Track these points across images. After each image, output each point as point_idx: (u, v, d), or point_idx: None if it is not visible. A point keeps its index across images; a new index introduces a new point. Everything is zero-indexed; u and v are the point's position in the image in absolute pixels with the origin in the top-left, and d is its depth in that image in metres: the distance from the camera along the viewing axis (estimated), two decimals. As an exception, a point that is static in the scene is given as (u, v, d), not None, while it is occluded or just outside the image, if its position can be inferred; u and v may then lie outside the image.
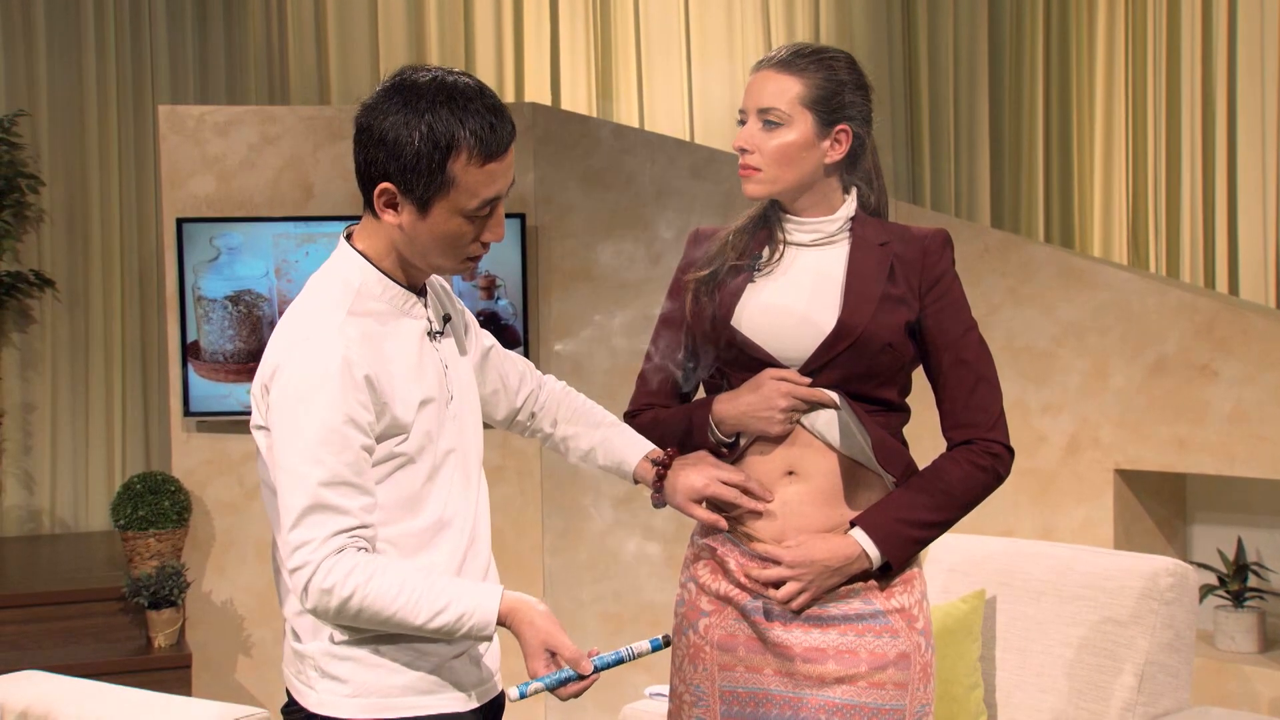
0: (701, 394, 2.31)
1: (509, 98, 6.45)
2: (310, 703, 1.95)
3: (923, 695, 2.17)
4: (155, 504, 4.76)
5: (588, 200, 5.01)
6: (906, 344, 2.16)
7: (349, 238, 1.99)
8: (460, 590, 1.89)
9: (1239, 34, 6.06)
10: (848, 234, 2.20)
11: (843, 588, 2.14)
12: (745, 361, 2.17)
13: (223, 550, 4.95)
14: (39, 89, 6.03)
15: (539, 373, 2.30)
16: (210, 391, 4.84)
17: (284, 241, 4.83)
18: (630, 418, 2.32)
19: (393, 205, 1.90)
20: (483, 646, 2.03)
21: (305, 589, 1.85)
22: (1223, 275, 6.17)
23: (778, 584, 2.13)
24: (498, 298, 4.91)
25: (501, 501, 4.90)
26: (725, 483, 2.14)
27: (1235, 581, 4.11)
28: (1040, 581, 3.11)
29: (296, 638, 1.97)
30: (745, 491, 2.15)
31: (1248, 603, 4.11)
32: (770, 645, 2.15)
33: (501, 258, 4.85)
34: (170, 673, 4.61)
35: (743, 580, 2.17)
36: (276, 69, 6.31)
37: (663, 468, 2.18)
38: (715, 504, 2.17)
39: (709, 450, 2.20)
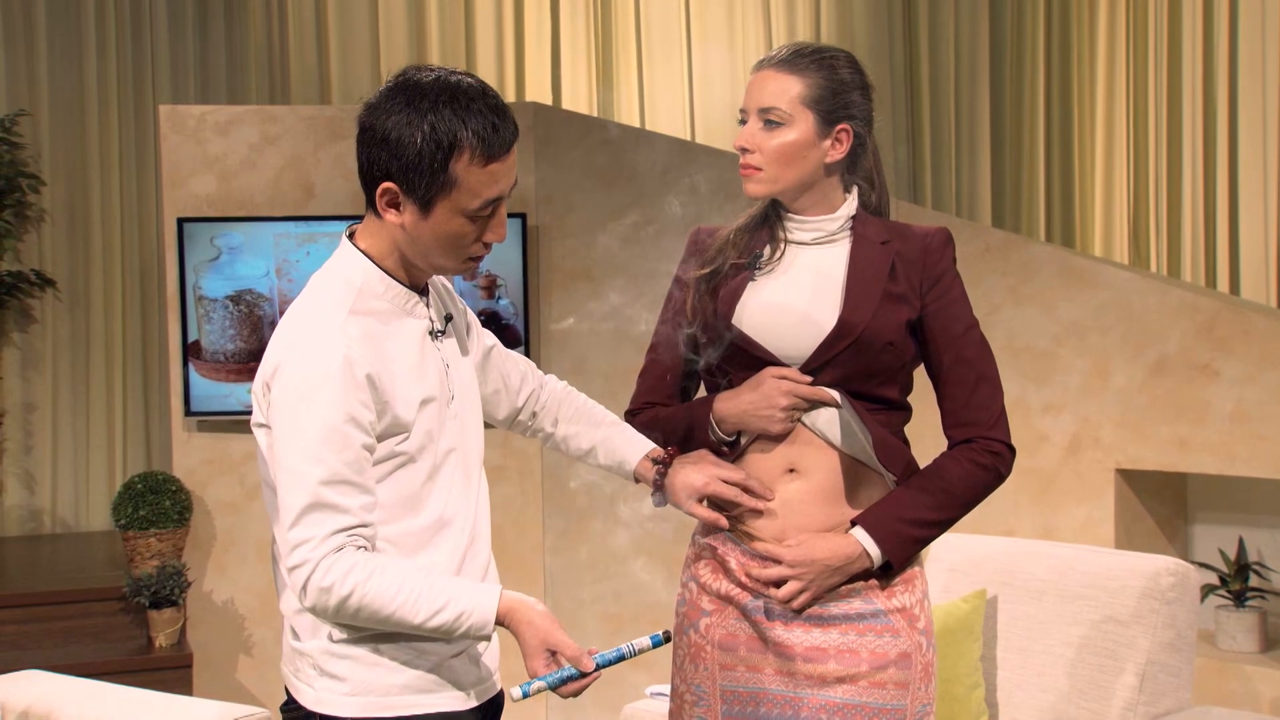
0: (702, 392, 2.31)
1: (510, 97, 6.45)
2: (309, 701, 1.95)
3: (924, 695, 2.16)
4: (156, 504, 4.76)
5: (589, 200, 5.01)
6: (907, 342, 2.16)
7: (351, 237, 1.99)
8: (459, 590, 1.89)
9: (1240, 33, 6.06)
10: (849, 233, 2.20)
11: (844, 587, 2.14)
12: (746, 360, 2.17)
13: (223, 550, 4.95)
14: (40, 89, 6.03)
15: (540, 372, 2.30)
16: (211, 391, 4.84)
17: (285, 241, 4.83)
18: (631, 416, 2.32)
19: (395, 205, 1.90)
20: (482, 645, 2.03)
21: (304, 587, 1.85)
22: (1224, 275, 6.17)
23: (778, 583, 2.13)
24: (499, 297, 4.91)
25: (502, 501, 4.90)
26: (726, 481, 2.14)
27: (1236, 581, 4.11)
28: (1041, 581, 3.10)
29: (295, 636, 1.97)
30: (746, 490, 2.15)
31: (1249, 602, 4.11)
32: (771, 645, 2.15)
33: (502, 257, 4.85)
34: (171, 672, 4.61)
35: (744, 579, 2.17)
36: (277, 68, 6.31)
37: (663, 466, 2.18)
38: (716, 503, 2.17)
39: (710, 449, 2.20)
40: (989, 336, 2.25)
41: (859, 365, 2.13)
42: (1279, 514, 4.27)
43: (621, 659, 1.93)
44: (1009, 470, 2.20)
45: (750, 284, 2.19)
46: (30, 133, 5.99)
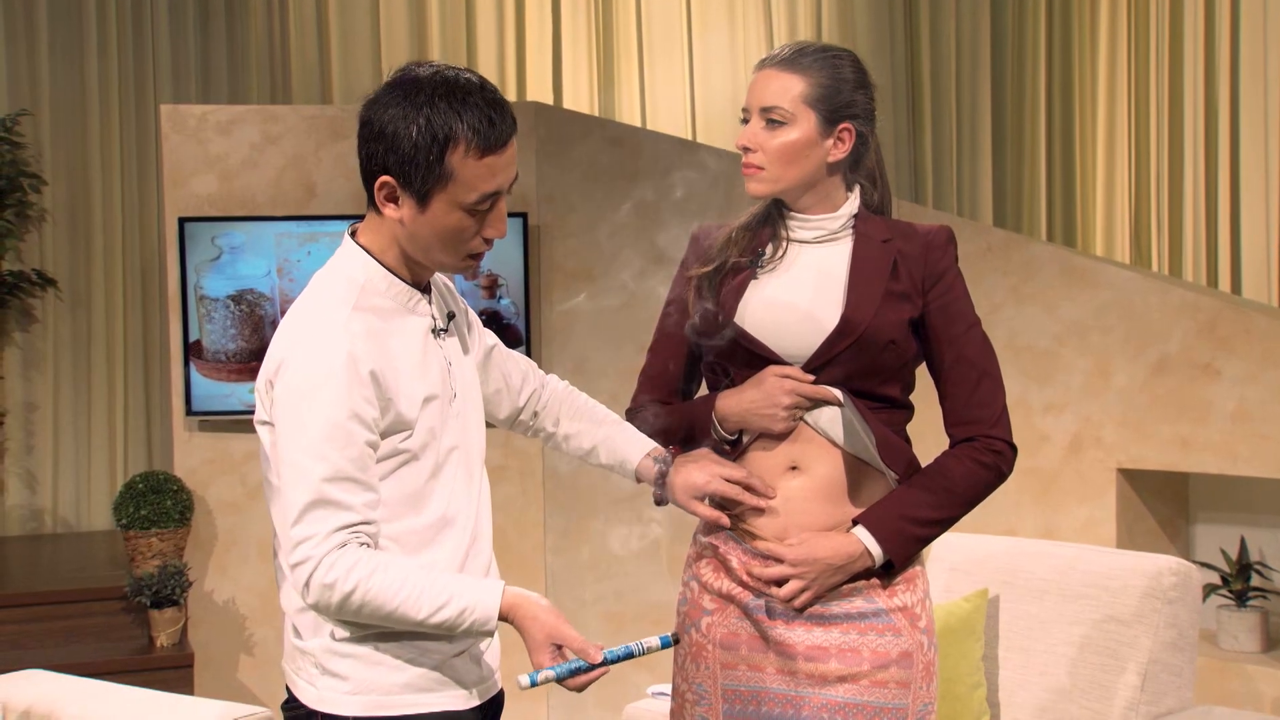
0: (704, 391, 2.31)
1: (511, 97, 6.45)
2: (310, 699, 1.95)
3: (925, 694, 2.16)
4: (157, 503, 4.76)
5: (590, 199, 5.01)
6: (909, 341, 2.16)
7: (353, 235, 2.00)
8: (462, 586, 1.89)
9: (1242, 32, 6.05)
10: (851, 231, 2.20)
11: (845, 586, 2.14)
12: (748, 358, 2.17)
13: (225, 549, 4.95)
14: (41, 88, 6.03)
15: (541, 372, 2.30)
16: (212, 391, 4.84)
17: (286, 241, 4.83)
18: (632, 415, 2.32)
19: (393, 199, 1.91)
20: (484, 644, 2.03)
21: (307, 584, 1.85)
22: (1225, 274, 6.16)
23: (780, 582, 2.13)
24: (500, 297, 4.91)
25: (504, 501, 4.90)
26: (728, 480, 2.14)
27: (1238, 581, 4.11)
28: (1043, 581, 3.10)
29: (297, 634, 1.97)
30: (748, 489, 2.15)
31: (1250, 602, 4.11)
32: (773, 644, 2.15)
33: (503, 257, 4.85)
34: (172, 672, 4.60)
35: (745, 578, 2.17)
36: (278, 68, 6.31)
37: (665, 465, 2.17)
38: (718, 501, 2.17)
39: (711, 447, 2.20)
40: (990, 336, 2.25)
41: (861, 364, 2.13)
42: (1281, 513, 4.27)
43: (630, 656, 1.93)
44: (1011, 469, 2.19)
45: (752, 282, 2.19)
46: (31, 132, 5.99)
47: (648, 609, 4.93)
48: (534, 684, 1.86)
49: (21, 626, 4.73)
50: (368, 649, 1.93)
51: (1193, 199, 6.28)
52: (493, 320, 4.85)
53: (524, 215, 4.89)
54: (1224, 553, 4.18)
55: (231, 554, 4.95)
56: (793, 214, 2.21)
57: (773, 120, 2.15)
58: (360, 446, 1.86)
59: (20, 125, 5.91)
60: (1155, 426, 4.16)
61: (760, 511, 2.16)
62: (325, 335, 1.87)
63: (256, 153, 4.94)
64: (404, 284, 1.97)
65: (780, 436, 2.16)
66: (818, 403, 2.14)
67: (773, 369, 2.15)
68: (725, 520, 2.16)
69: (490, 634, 1.95)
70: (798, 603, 2.12)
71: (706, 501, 2.16)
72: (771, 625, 2.15)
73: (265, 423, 1.93)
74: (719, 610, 2.20)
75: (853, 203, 2.21)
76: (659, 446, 2.21)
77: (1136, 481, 4.29)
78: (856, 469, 2.16)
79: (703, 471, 2.14)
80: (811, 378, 2.14)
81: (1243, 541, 4.19)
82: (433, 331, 2.00)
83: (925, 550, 2.26)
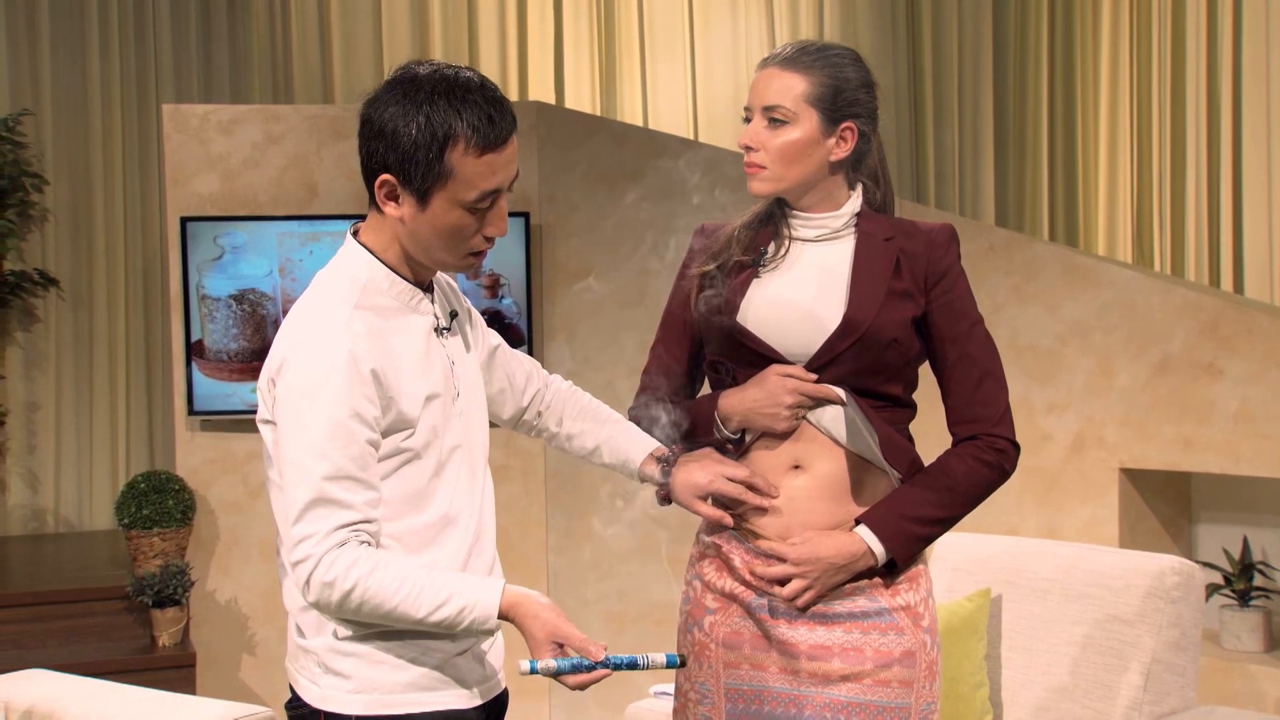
0: (707, 389, 2.30)
1: (513, 96, 6.45)
2: (313, 698, 1.95)
3: (928, 693, 2.16)
4: (159, 503, 4.76)
5: (591, 199, 5.01)
6: (912, 339, 2.15)
7: (355, 234, 1.99)
8: (462, 584, 1.88)
9: (1244, 32, 6.05)
10: (853, 229, 2.20)
11: (848, 585, 2.14)
12: (751, 357, 2.17)
13: (227, 549, 4.95)
14: (43, 88, 6.04)
15: (545, 372, 2.30)
16: (214, 390, 4.84)
17: (288, 240, 4.83)
18: (635, 414, 2.31)
19: (394, 197, 1.90)
20: (486, 644, 2.03)
21: (307, 582, 1.85)
22: (1228, 274, 6.16)
23: (783, 581, 2.13)
24: (502, 296, 4.91)
25: (506, 500, 4.88)
26: (730, 479, 2.14)
27: (1241, 580, 4.10)
28: (1046, 580, 3.10)
29: (300, 633, 1.97)
30: (750, 488, 2.14)
31: (1253, 602, 4.10)
32: (775, 643, 2.15)
33: (505, 257, 4.85)
34: (174, 672, 4.61)
35: (748, 577, 2.17)
36: (280, 68, 6.31)
37: (667, 464, 2.17)
38: (720, 501, 2.17)
39: (714, 446, 2.20)
40: (993, 336, 2.24)
41: (864, 362, 2.12)
42: (1283, 513, 4.27)
43: (634, 667, 1.92)
44: (1013, 467, 2.19)
45: (755, 281, 2.19)
46: (33, 132, 6.00)
47: (649, 608, 4.93)
48: (534, 670, 1.85)
49: (23, 626, 4.73)
50: (370, 648, 1.93)
51: (1195, 198, 6.27)
52: (495, 320, 4.85)
53: (526, 215, 4.89)
54: (1227, 553, 4.18)
55: (233, 554, 4.95)
56: (795, 213, 2.21)
57: (775, 119, 2.14)
58: (361, 445, 1.86)
59: (22, 125, 5.92)
60: (1158, 426, 4.16)
61: (763, 511, 2.16)
62: (327, 334, 1.87)
63: (258, 152, 4.94)
64: (406, 283, 1.97)
65: (783, 435, 2.16)
66: (820, 401, 2.14)
67: (775, 368, 2.15)
68: (728, 520, 2.16)
69: (491, 632, 1.95)
70: (800, 602, 2.12)
71: (709, 501, 2.16)
72: (774, 624, 2.15)
73: (267, 421, 1.93)
74: (722, 609, 2.20)
75: (855, 201, 2.21)
76: (662, 446, 2.20)
77: (1139, 481, 4.28)
78: (859, 468, 2.16)
79: (705, 471, 2.14)
80: (814, 376, 2.13)
81: (1245, 541, 4.18)
82: (435, 330, 2.00)
83: (928, 550, 2.26)
